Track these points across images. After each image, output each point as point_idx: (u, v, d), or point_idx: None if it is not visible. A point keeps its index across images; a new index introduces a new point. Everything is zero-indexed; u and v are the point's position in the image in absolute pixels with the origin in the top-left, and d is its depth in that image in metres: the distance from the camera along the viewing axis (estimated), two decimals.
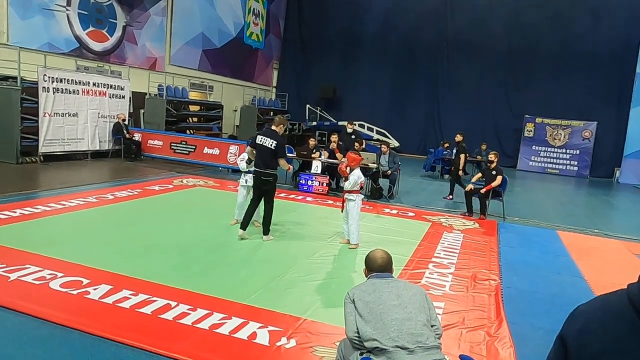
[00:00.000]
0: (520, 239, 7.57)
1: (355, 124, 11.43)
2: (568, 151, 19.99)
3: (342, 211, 6.46)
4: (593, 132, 19.53)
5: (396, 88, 22.52)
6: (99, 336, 3.42)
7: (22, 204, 7.00)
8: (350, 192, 6.26)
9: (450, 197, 10.65)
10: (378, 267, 2.84)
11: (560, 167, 20.11)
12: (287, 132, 21.59)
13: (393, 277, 2.87)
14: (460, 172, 10.74)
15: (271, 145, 5.99)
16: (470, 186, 8.96)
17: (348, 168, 6.31)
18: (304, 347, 3.49)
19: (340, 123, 21.21)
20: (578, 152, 19.80)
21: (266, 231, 6.29)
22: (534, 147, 20.44)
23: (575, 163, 19.88)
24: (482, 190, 8.78)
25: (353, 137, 10.83)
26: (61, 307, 3.81)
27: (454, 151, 11.87)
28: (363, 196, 6.71)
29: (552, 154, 20.26)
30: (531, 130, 20.46)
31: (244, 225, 6.20)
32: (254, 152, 6.16)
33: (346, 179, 6.33)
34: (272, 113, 22.55)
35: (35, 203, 7.15)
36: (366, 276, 2.90)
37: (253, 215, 6.31)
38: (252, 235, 6.42)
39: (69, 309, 3.80)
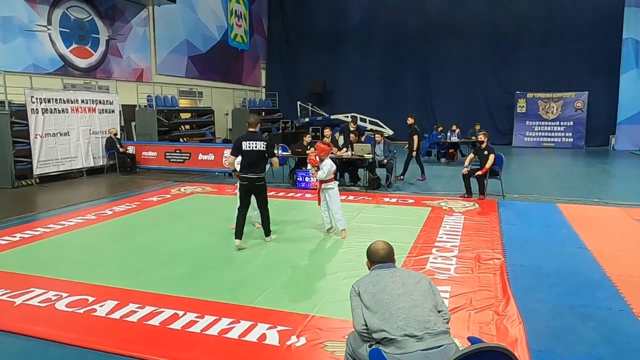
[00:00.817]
0: (521, 216, 7.59)
1: (357, 121, 11.41)
2: (562, 123, 20.01)
3: (319, 204, 6.53)
4: (585, 102, 19.55)
5: (385, 77, 22.48)
6: (108, 352, 3.42)
7: (21, 227, 6.99)
8: (326, 181, 6.38)
9: (401, 178, 11.06)
10: (380, 258, 2.84)
11: (556, 140, 20.14)
12: (281, 131, 21.61)
13: (396, 267, 2.87)
14: (414, 153, 11.09)
15: (263, 147, 5.86)
16: (465, 169, 8.96)
17: (318, 158, 6.37)
18: (314, 343, 3.50)
19: (332, 117, 21.20)
20: (572, 123, 19.83)
21: (267, 232, 6.21)
22: (527, 122, 20.46)
23: (570, 134, 19.91)
24: (478, 174, 8.79)
25: (352, 129, 10.83)
26: (69, 327, 3.81)
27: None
28: (338, 182, 6.83)
29: (546, 127, 20.30)
30: (523, 106, 20.47)
31: (239, 234, 5.96)
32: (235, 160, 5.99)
33: (318, 169, 6.38)
34: (263, 113, 22.55)
35: (35, 225, 7.13)
36: (369, 269, 2.90)
37: (244, 223, 6.02)
38: (254, 237, 6.43)
39: (77, 328, 3.80)
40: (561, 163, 15.54)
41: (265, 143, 5.90)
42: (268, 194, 6.88)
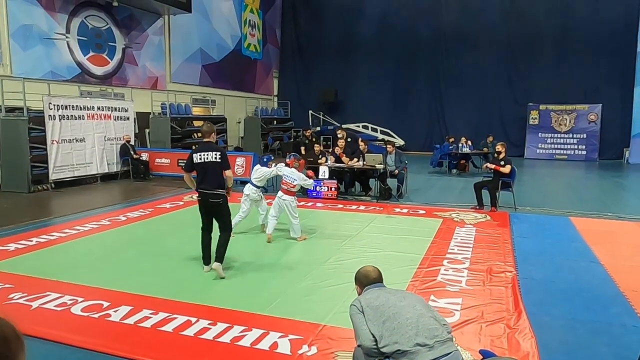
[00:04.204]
0: (533, 229, 7.54)
1: (343, 130, 11.74)
2: (575, 136, 19.87)
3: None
4: (599, 114, 19.41)
5: (398, 86, 22.54)
6: (123, 357, 3.47)
7: (37, 232, 7.11)
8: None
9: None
10: (373, 280, 2.92)
11: (569, 152, 19.99)
12: (292, 140, 21.72)
13: (386, 286, 2.94)
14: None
15: (215, 157, 5.15)
16: (486, 165, 9.43)
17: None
18: (326, 353, 3.52)
19: (344, 126, 21.28)
20: (585, 135, 19.68)
21: (219, 258, 5.23)
22: (540, 134, 20.35)
23: (583, 147, 19.75)
24: (489, 165, 9.12)
25: (349, 140, 10.92)
26: (84, 332, 3.87)
27: None
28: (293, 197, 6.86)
29: (559, 139, 20.16)
30: (536, 118, 20.38)
31: (206, 258, 5.37)
32: (191, 176, 5.36)
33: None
34: (275, 122, 22.73)
35: (50, 230, 7.25)
36: (359, 293, 2.94)
37: (211, 247, 5.37)
38: (265, 243, 6.48)
39: (92, 333, 3.86)
40: (574, 176, 15.42)
41: (219, 153, 5.20)
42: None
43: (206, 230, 5.42)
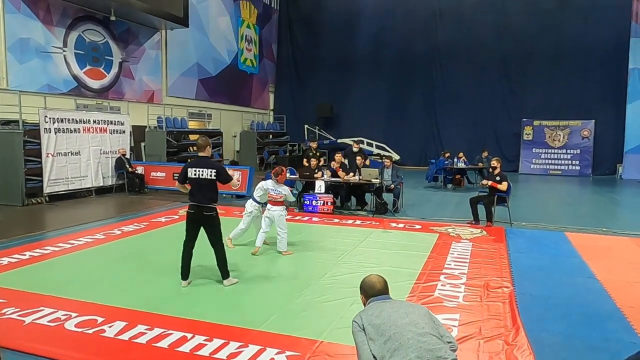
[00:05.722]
0: (529, 244, 7.55)
1: (360, 144, 11.81)
2: (569, 151, 20.05)
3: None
4: (592, 130, 19.62)
5: (393, 102, 22.71)
6: None
7: (31, 245, 7.04)
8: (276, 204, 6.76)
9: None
10: (378, 291, 2.84)
11: (562, 167, 20.14)
12: (288, 154, 21.78)
13: (391, 298, 2.88)
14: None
15: (211, 175, 5.21)
16: (484, 181, 9.31)
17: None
18: None
19: (339, 141, 21.34)
20: (579, 151, 19.86)
21: (225, 275, 5.40)
22: (534, 149, 20.51)
23: (577, 162, 19.92)
24: (486, 182, 9.01)
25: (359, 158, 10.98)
26: (78, 348, 3.82)
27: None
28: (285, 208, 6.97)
29: (552, 155, 20.33)
30: (530, 134, 20.56)
31: (184, 273, 5.35)
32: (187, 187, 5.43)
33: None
34: (271, 136, 22.81)
35: (44, 244, 7.18)
36: (364, 304, 2.88)
37: (190, 260, 5.37)
38: (262, 259, 6.44)
39: (86, 349, 3.80)
40: (568, 191, 15.50)
41: (215, 170, 5.24)
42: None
43: (189, 245, 5.36)
